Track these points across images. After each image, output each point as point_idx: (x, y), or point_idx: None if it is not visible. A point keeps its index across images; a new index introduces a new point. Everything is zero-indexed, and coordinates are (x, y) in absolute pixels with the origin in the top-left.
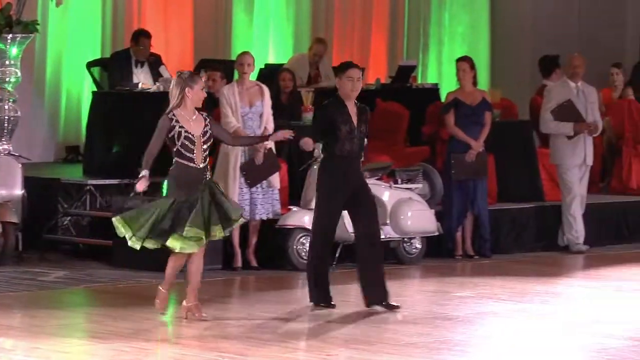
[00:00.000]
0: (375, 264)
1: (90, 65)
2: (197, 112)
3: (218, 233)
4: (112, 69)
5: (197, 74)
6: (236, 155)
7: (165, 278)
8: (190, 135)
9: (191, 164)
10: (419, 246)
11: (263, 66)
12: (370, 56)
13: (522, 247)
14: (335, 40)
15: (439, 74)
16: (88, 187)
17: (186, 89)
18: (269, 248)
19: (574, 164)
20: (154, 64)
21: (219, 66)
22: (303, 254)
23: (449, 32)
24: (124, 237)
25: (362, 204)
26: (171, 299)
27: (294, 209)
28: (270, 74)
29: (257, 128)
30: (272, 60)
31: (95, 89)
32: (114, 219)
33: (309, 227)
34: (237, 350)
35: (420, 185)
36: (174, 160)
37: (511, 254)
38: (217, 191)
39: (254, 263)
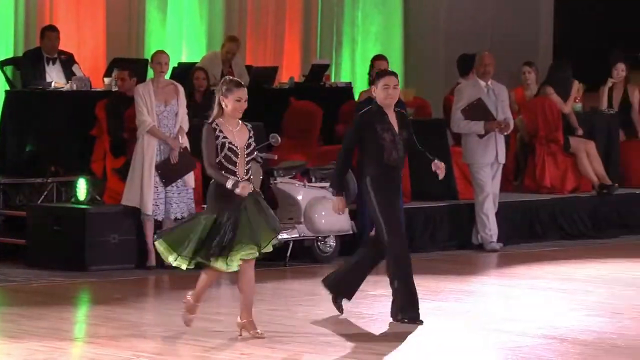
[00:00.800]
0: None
1: (2, 64)
2: (241, 122)
3: (266, 249)
4: (24, 67)
5: (238, 82)
6: (151, 154)
7: (197, 290)
8: (234, 147)
9: (234, 178)
10: (333, 245)
11: (176, 65)
12: (283, 55)
13: (436, 246)
14: (248, 39)
15: (353, 72)
16: (1, 187)
17: (223, 98)
18: None
19: (486, 162)
20: (67, 62)
21: (127, 65)
22: None
23: (362, 31)
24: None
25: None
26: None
27: None
28: (183, 73)
29: (172, 127)
30: (185, 59)
31: (8, 88)
32: (155, 243)
33: None
34: (152, 349)
35: None
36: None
37: (425, 252)
38: (262, 204)
39: None
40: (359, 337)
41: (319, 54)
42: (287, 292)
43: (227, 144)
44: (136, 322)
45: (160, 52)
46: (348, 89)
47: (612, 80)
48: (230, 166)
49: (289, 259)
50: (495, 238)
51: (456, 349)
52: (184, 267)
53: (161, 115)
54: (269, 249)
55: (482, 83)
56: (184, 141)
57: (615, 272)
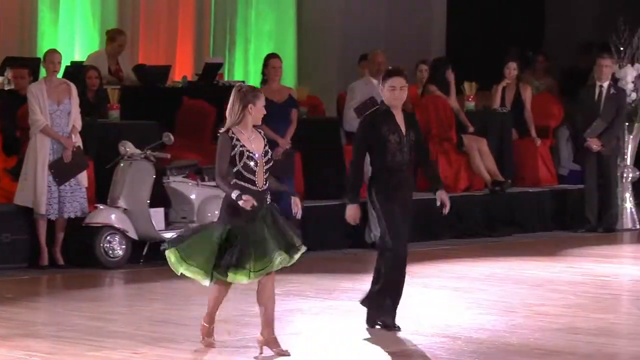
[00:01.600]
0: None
1: None
2: (254, 129)
3: (284, 261)
4: None
5: (258, 89)
6: (44, 153)
7: (210, 311)
8: (252, 155)
9: (252, 187)
10: None
11: (69, 64)
12: (176, 53)
13: (329, 245)
14: (141, 38)
15: (246, 71)
16: None
17: (249, 105)
18: (76, 246)
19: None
20: None
21: (26, 64)
22: (110, 252)
23: (255, 29)
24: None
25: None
26: None
27: (101, 207)
28: (75, 72)
29: (65, 126)
30: (78, 58)
31: None
32: (167, 252)
33: (117, 225)
34: (45, 349)
35: None
36: (232, 182)
37: (319, 251)
38: (279, 215)
39: (61, 261)
40: (253, 337)
41: (212, 53)
42: (181, 291)
43: (245, 153)
44: (29, 321)
45: (52, 51)
46: None
47: (507, 80)
48: (249, 175)
49: None
50: None
51: (350, 347)
52: (200, 279)
53: (54, 114)
54: (293, 261)
55: (375, 82)
56: (77, 140)
57: (508, 270)
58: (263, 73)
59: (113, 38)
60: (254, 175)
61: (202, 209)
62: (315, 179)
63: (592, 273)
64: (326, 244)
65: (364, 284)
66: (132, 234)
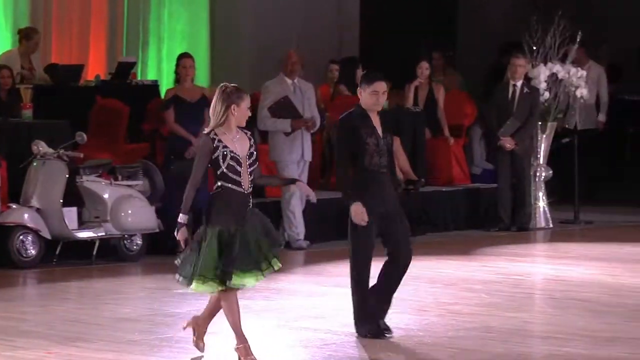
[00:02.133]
0: (395, 286)
1: None
2: (240, 130)
3: (275, 265)
4: None
5: (243, 90)
6: None
7: (234, 328)
8: (237, 156)
9: (238, 189)
10: (139, 243)
11: None
12: (89, 52)
13: None
14: (54, 36)
15: (159, 70)
16: None
17: (232, 106)
18: None
19: (293, 160)
20: None
21: None
22: (23, 252)
23: (168, 29)
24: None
25: (393, 223)
26: None
27: (14, 206)
28: None
29: None
30: None
31: None
32: (193, 287)
33: (30, 224)
34: None
35: (140, 182)
36: (217, 184)
37: None
38: (264, 218)
39: None
40: (165, 336)
41: (125, 52)
42: (93, 291)
43: (229, 154)
44: None
45: None
46: (154, 87)
47: (419, 79)
48: (234, 176)
49: (95, 258)
50: (302, 236)
51: (265, 346)
52: (215, 288)
53: None
54: (277, 267)
55: (289, 81)
56: None
57: (421, 269)
58: (176, 72)
59: (28, 36)
60: (239, 176)
61: (115, 209)
62: None
63: (506, 272)
64: None
65: (278, 282)
66: (45, 234)
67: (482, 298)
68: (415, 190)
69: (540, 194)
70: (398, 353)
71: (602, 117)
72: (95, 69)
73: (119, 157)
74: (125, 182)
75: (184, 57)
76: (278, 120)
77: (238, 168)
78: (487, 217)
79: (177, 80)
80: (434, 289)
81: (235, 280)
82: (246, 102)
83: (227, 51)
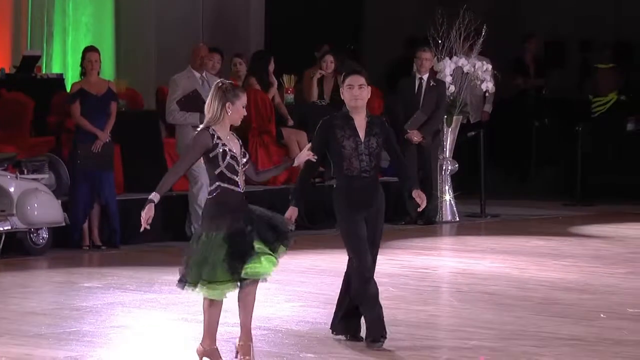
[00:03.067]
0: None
1: None
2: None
3: (282, 251)
4: None
5: (241, 87)
6: None
7: (208, 331)
8: (235, 155)
9: (236, 188)
10: (45, 236)
11: None
12: None
13: (150, 237)
14: None
15: (64, 64)
16: None
17: (227, 104)
18: None
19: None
20: None
21: None
22: None
23: (73, 21)
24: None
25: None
26: None
27: None
28: None
29: None
30: None
31: None
32: (201, 289)
33: None
34: None
35: (46, 176)
36: (215, 185)
37: (139, 244)
38: (265, 211)
39: None
40: (72, 329)
41: (30, 45)
42: None
43: (228, 153)
44: None
45: None
46: (59, 80)
47: (321, 72)
48: (232, 176)
49: (0, 252)
50: None
51: (172, 340)
52: (232, 290)
53: None
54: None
55: (197, 74)
56: None
57: (328, 262)
58: (81, 66)
59: None
60: (237, 176)
61: (21, 202)
62: (135, 172)
63: (413, 265)
64: (146, 237)
65: None
66: None
67: (389, 291)
68: (322, 182)
69: (447, 187)
70: (306, 347)
71: (487, 108)
72: (0, 63)
73: (24, 150)
74: (30, 176)
75: (89, 50)
76: (187, 113)
77: (236, 167)
78: (394, 210)
79: (83, 73)
80: (341, 282)
81: (249, 270)
82: (242, 101)
83: (133, 44)
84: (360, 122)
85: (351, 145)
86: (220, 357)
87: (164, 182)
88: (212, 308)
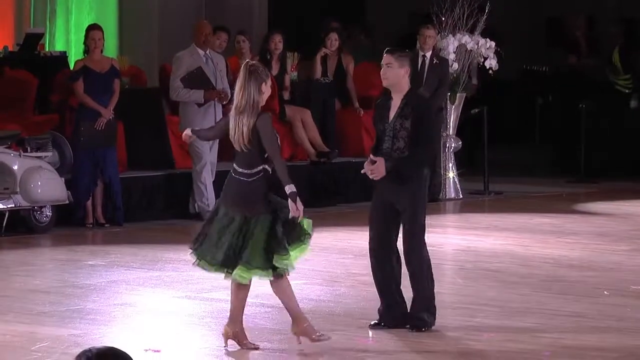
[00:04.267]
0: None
1: None
2: None
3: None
4: None
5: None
6: None
7: (297, 313)
8: None
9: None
10: (49, 214)
11: None
12: None
13: (153, 215)
14: None
15: (67, 41)
16: None
17: (262, 84)
18: None
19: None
20: None
21: None
22: None
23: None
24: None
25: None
26: None
27: None
28: None
29: None
30: None
31: None
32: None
33: None
34: None
35: (50, 154)
36: (262, 167)
37: (143, 222)
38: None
39: None
40: (76, 307)
41: (33, 23)
42: (2, 263)
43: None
44: None
45: None
46: (63, 58)
47: (325, 50)
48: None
49: (4, 229)
50: (212, 207)
51: (175, 318)
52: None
53: None
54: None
55: (201, 52)
56: None
57: (332, 240)
58: (85, 44)
59: None
60: None
61: (24, 180)
62: (138, 149)
63: None
64: (150, 215)
65: (187, 254)
66: None
67: None
68: (327, 161)
69: (450, 164)
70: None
71: (475, 81)
72: (3, 40)
73: (28, 128)
74: (34, 154)
75: (92, 28)
76: (191, 90)
77: None
78: None
79: (86, 51)
80: (344, 259)
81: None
82: (270, 78)
83: (135, 21)
84: (395, 102)
85: (380, 128)
86: (246, 337)
87: (285, 171)
88: (241, 291)
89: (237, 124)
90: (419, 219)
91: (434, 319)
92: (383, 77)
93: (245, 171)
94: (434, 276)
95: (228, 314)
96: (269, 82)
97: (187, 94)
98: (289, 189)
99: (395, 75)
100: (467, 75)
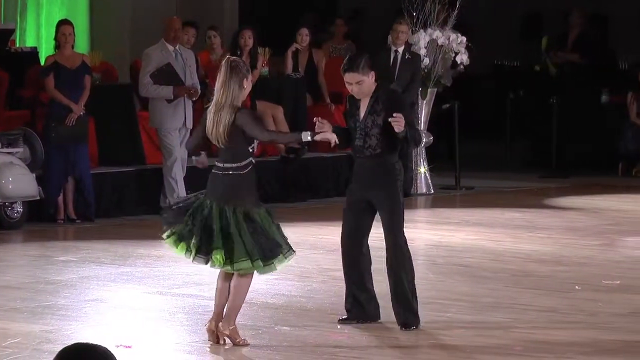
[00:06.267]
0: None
1: None
2: None
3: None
4: None
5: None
6: None
7: (236, 313)
8: None
9: None
10: (20, 210)
11: None
12: None
13: (124, 211)
14: None
15: (38, 37)
16: None
17: (244, 79)
18: None
19: (174, 127)
20: None
21: None
22: None
23: None
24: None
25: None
26: None
27: None
28: None
29: None
30: None
31: None
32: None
33: None
34: None
35: (21, 150)
36: (248, 160)
37: (114, 218)
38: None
39: None
40: (47, 303)
41: (4, 19)
42: None
43: None
44: None
45: None
46: (34, 53)
47: (296, 45)
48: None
49: None
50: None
51: (147, 313)
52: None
53: None
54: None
55: (170, 47)
56: None
57: (303, 235)
58: (55, 39)
59: None
60: None
61: None
62: (109, 145)
63: None
64: (121, 210)
65: (159, 249)
66: None
67: None
68: (297, 158)
69: (422, 159)
70: (281, 319)
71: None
72: None
73: None
74: (5, 150)
75: (63, 24)
76: (160, 86)
77: None
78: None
79: (57, 47)
80: (316, 255)
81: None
82: (250, 76)
83: (106, 17)
84: (365, 101)
85: (351, 125)
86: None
87: (287, 135)
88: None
89: (216, 119)
90: (397, 214)
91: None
92: (357, 94)
93: (233, 165)
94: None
95: (212, 311)
96: (250, 78)
97: (156, 90)
98: (305, 136)
99: (368, 86)
100: (441, 70)
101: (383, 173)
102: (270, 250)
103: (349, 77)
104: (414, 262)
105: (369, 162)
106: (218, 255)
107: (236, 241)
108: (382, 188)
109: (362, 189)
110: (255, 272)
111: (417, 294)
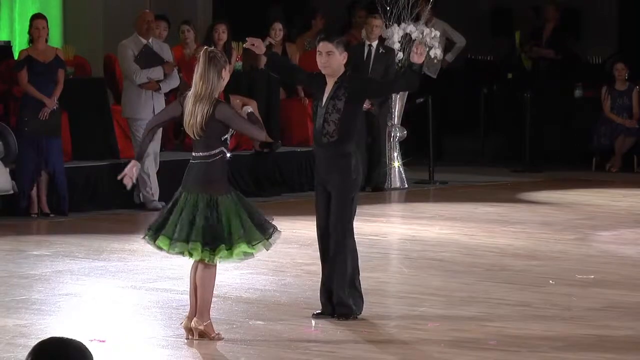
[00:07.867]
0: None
1: None
2: None
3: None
4: None
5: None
6: None
7: (207, 307)
8: None
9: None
10: None
11: None
12: None
13: (98, 205)
14: None
15: (11, 31)
16: None
17: (222, 70)
18: None
19: (146, 117)
20: None
21: None
22: None
23: None
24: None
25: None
26: None
27: None
28: None
29: None
30: None
31: None
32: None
33: None
34: None
35: None
36: (220, 149)
37: (88, 212)
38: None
39: None
40: (21, 297)
41: None
42: None
43: None
44: None
45: None
46: (7, 47)
47: (270, 39)
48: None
49: None
50: (156, 197)
51: (120, 307)
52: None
53: None
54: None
55: (144, 41)
56: None
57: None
58: (29, 33)
59: None
60: None
61: None
62: (82, 140)
63: (361, 232)
64: (94, 204)
65: (133, 244)
66: None
67: None
68: (270, 152)
69: (395, 154)
70: (255, 314)
71: (449, 58)
72: None
73: None
74: None
75: (36, 18)
76: (150, 69)
77: None
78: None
79: (31, 41)
80: (290, 249)
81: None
82: (228, 67)
83: (80, 11)
84: (330, 85)
85: (314, 108)
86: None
87: (260, 129)
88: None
89: (194, 111)
90: (345, 204)
91: (361, 307)
92: (325, 66)
93: (205, 154)
94: (380, 265)
95: (186, 305)
96: (228, 68)
97: (148, 72)
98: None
99: (337, 62)
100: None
101: (338, 160)
102: (247, 236)
103: (321, 46)
104: (388, 257)
105: (326, 151)
106: (195, 246)
107: (212, 229)
108: (336, 174)
109: (322, 181)
110: (227, 260)
111: (391, 288)
